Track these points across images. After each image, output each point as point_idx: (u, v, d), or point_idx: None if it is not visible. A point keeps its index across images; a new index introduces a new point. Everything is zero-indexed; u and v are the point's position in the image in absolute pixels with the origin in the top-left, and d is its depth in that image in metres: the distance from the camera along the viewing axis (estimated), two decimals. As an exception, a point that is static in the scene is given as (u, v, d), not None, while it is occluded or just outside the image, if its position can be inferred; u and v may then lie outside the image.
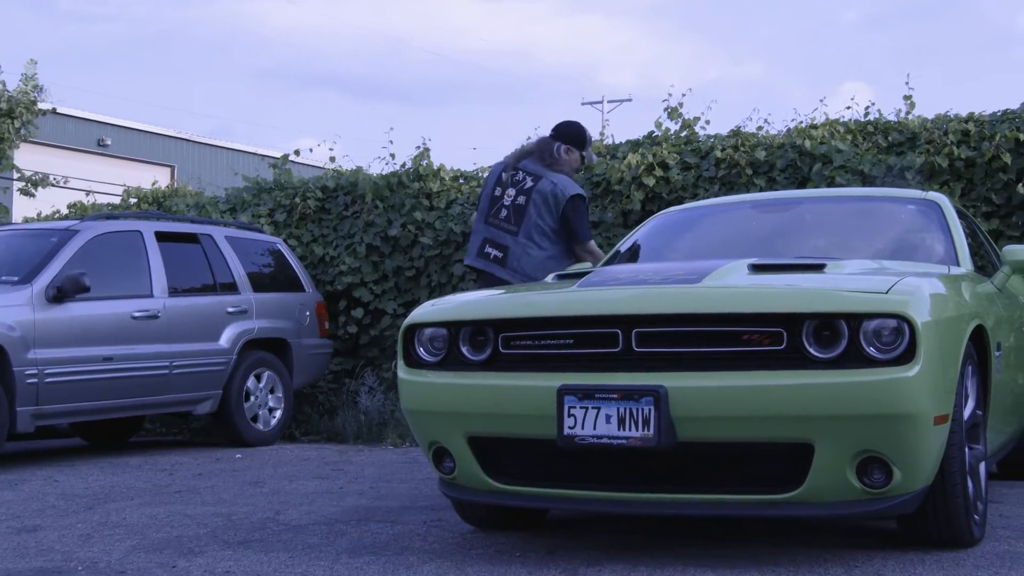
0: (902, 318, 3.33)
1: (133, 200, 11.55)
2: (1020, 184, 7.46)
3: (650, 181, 8.48)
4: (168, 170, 28.23)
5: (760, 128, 8.91)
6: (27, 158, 15.00)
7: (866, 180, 7.84)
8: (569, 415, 3.52)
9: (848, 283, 3.64)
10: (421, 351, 3.95)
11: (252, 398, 8.31)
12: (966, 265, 4.55)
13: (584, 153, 6.20)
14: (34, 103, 14.00)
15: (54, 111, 14.83)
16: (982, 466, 4.00)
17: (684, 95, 9.30)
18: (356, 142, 48.37)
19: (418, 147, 9.74)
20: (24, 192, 14.70)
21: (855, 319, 3.36)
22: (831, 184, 7.86)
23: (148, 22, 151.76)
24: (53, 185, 14.46)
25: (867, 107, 8.76)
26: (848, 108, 8.89)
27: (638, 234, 5.51)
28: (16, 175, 14.47)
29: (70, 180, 15.08)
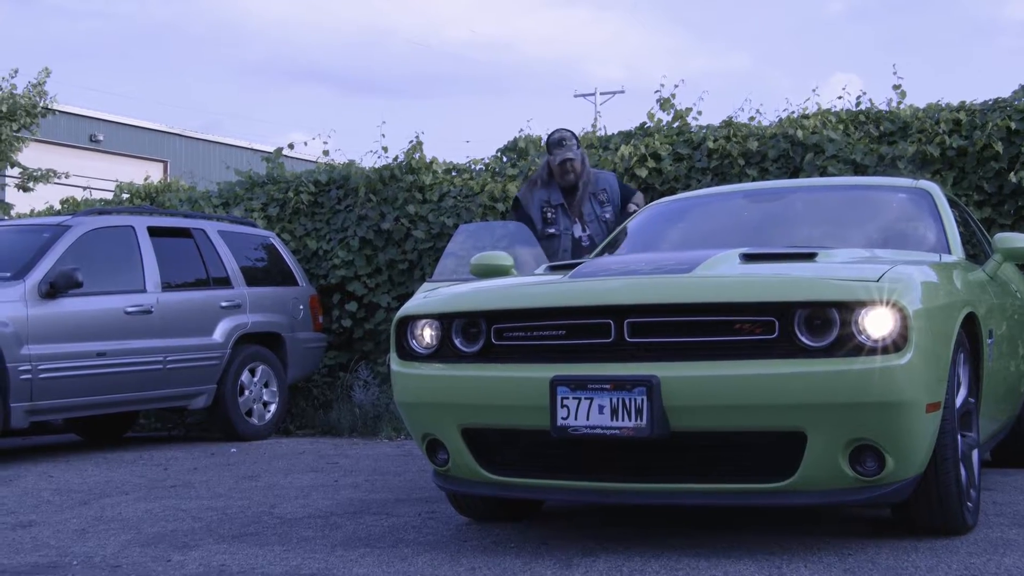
0: (893, 306, 3.34)
1: (126, 195, 11.53)
2: (1012, 172, 7.47)
3: (643, 172, 8.49)
4: (161, 165, 28.24)
5: (752, 118, 8.90)
6: (21, 155, 14.95)
7: (858, 169, 7.86)
8: (562, 406, 3.53)
9: (839, 272, 3.64)
10: (414, 343, 3.95)
11: (246, 392, 8.32)
12: (957, 253, 4.56)
13: (548, 157, 6.62)
14: (35, 107, 13.99)
15: (50, 110, 14.79)
16: (975, 453, 4.00)
17: (676, 86, 9.30)
18: (345, 135, 48.17)
19: (411, 140, 9.73)
20: (21, 187, 14.68)
21: (846, 307, 3.36)
22: (823, 174, 7.86)
23: (136, 18, 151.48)
24: (56, 182, 14.44)
25: (858, 97, 8.76)
26: (840, 98, 8.88)
27: (630, 225, 5.51)
28: (18, 171, 14.47)
29: (67, 176, 15.09)
